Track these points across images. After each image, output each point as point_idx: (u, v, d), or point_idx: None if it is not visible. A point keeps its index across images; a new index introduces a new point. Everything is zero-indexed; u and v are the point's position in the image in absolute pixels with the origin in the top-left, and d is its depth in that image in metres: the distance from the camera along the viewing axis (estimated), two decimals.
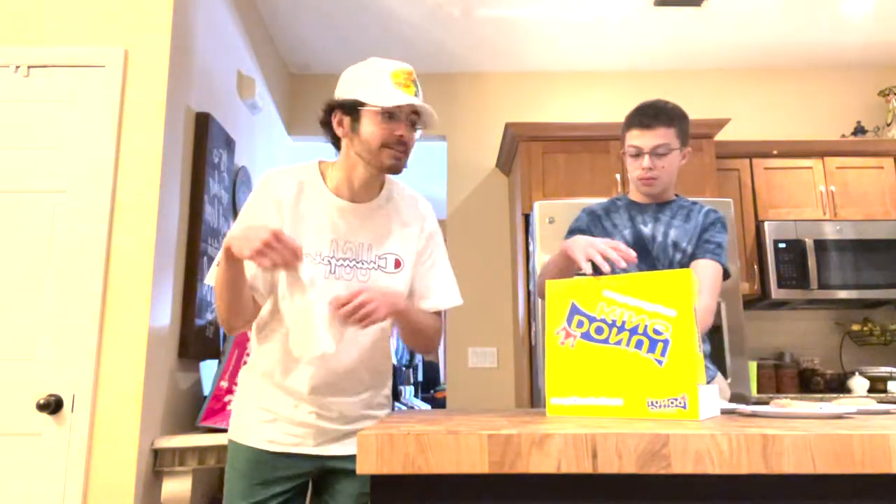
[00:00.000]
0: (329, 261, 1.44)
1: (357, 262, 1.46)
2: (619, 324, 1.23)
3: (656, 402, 1.15)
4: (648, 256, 1.81)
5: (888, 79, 4.12)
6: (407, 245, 1.52)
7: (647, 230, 1.84)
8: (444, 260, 1.59)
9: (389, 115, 1.40)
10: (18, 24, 2.34)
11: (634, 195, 1.91)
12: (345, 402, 1.48)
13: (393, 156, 1.41)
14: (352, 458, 1.47)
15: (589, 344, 1.25)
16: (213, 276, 1.43)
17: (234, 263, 1.33)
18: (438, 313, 1.57)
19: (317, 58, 3.98)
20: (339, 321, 1.32)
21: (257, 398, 1.48)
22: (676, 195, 1.91)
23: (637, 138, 1.80)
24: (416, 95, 1.42)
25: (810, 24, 3.66)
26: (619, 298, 1.24)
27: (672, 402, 1.14)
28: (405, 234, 1.52)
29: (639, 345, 1.20)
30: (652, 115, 1.78)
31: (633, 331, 1.21)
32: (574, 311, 1.28)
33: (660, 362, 1.17)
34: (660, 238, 1.82)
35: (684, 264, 1.80)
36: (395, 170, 1.44)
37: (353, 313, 1.30)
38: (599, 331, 1.25)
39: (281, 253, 1.25)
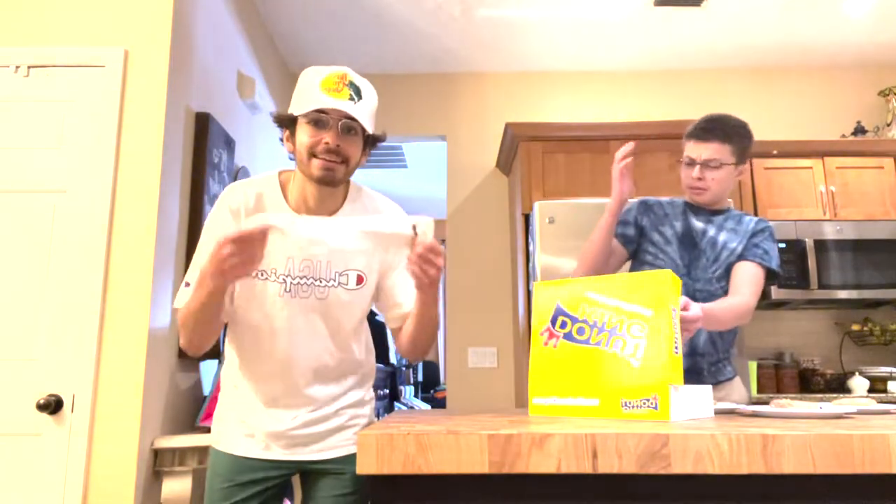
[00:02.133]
0: (284, 279, 1.38)
1: (314, 280, 1.39)
2: (599, 325, 1.24)
3: (629, 403, 1.16)
4: (696, 249, 1.91)
5: (888, 79, 4.11)
6: (371, 258, 1.43)
7: (698, 224, 1.93)
8: None
9: (316, 122, 1.32)
10: (18, 24, 2.34)
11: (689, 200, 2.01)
12: (316, 395, 1.44)
13: (322, 166, 1.32)
14: (333, 460, 1.47)
15: (570, 345, 1.27)
16: (184, 300, 1.34)
17: (218, 288, 1.25)
18: None
19: (317, 58, 3.97)
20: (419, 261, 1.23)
21: (231, 408, 1.48)
22: (729, 207, 2.00)
23: (691, 149, 1.90)
24: (350, 99, 1.31)
25: (810, 24, 3.65)
26: (601, 299, 1.25)
27: (644, 403, 1.14)
28: (368, 247, 1.42)
29: (617, 345, 1.21)
30: (708, 129, 1.89)
31: (613, 331, 1.22)
32: (558, 312, 1.30)
33: (635, 362, 1.18)
34: (711, 233, 1.92)
35: (731, 262, 1.88)
36: (326, 181, 1.35)
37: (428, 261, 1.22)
38: (581, 332, 1.26)
39: (243, 253, 1.18)
